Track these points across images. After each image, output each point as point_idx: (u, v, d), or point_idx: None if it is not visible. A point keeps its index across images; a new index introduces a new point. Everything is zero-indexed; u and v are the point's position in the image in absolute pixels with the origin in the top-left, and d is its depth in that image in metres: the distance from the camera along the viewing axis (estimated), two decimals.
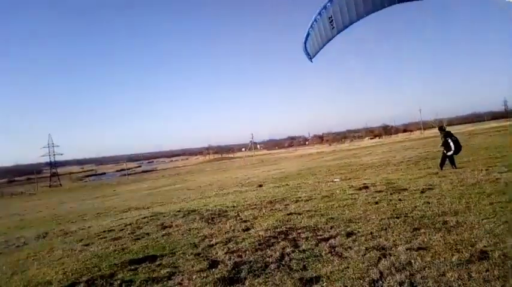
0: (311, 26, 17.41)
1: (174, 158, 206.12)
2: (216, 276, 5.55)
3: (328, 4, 16.32)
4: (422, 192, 10.15)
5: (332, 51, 19.29)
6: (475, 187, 9.85)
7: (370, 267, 5.13)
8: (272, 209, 10.48)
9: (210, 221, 9.85)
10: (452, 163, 14.80)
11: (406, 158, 24.40)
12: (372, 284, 4.60)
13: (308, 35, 17.86)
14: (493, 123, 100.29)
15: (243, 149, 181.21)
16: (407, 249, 5.62)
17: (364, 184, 13.33)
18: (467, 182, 10.84)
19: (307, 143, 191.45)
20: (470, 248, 5.34)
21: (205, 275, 5.66)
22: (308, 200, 11.22)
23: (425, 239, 5.96)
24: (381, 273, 4.88)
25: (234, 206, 11.84)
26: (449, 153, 14.69)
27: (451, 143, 14.57)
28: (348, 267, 5.25)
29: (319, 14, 16.67)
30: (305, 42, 18.33)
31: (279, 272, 5.40)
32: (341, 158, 38.26)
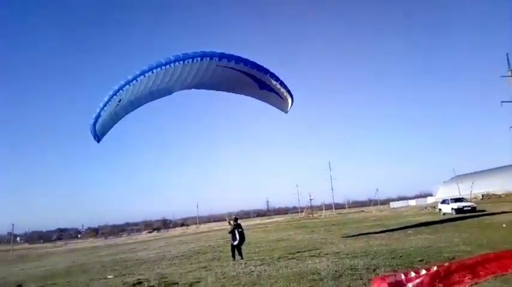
0: (102, 108, 17.73)
1: None
2: None
3: (121, 90, 17.31)
4: (190, 285, 11.09)
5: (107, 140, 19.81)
6: (234, 279, 11.37)
7: None
8: None
9: None
10: (240, 253, 16.34)
11: (181, 252, 25.55)
12: None
13: (99, 116, 18.00)
14: (258, 220, 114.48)
15: None
16: None
17: (138, 279, 13.51)
18: (229, 274, 12.37)
19: (79, 236, 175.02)
20: None
21: None
22: None
23: None
24: None
25: None
26: (235, 243, 16.29)
27: (237, 234, 16.27)
28: None
29: (111, 97, 17.34)
30: (94, 124, 18.31)
31: None
32: (117, 253, 36.70)
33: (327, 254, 15.33)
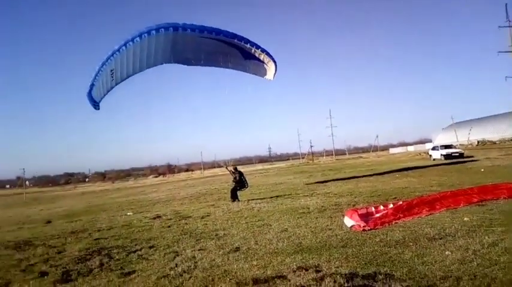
0: (95, 77, 19.08)
1: None
2: (50, 280, 7.10)
3: (111, 58, 18.47)
4: (202, 218, 13.34)
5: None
6: (238, 213, 13.61)
7: (169, 262, 7.66)
8: (77, 238, 11.83)
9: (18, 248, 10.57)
10: (236, 196, 18.51)
11: (189, 194, 28.04)
12: (170, 269, 7.13)
13: (93, 85, 19.42)
14: (260, 166, 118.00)
15: (8, 187, 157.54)
16: (192, 250, 8.39)
17: (157, 214, 15.84)
18: (234, 210, 14.65)
19: (87, 180, 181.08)
20: (230, 246, 8.48)
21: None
22: (110, 229, 12.97)
23: (204, 245, 8.88)
24: (176, 264, 7.46)
25: (36, 237, 12.52)
26: (244, 189, 18.62)
27: (245, 181, 18.60)
28: (153, 264, 7.63)
29: (103, 65, 18.59)
30: (90, 92, 19.77)
31: (102, 272, 7.36)
32: (128, 195, 39.48)
33: (318, 194, 17.54)
